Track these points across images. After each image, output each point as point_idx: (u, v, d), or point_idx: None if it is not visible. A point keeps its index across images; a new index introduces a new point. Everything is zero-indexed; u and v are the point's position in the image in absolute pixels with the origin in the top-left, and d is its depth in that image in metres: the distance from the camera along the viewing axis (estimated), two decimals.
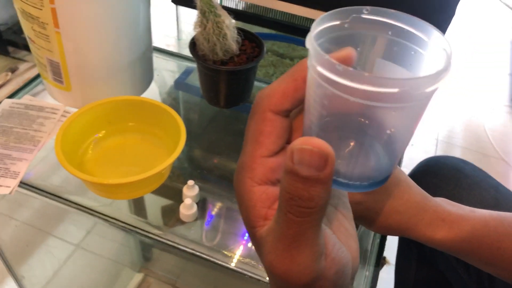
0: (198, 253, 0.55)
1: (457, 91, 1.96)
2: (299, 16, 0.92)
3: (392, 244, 0.94)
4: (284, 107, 0.26)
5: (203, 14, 0.62)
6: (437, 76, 0.21)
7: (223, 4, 0.96)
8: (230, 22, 0.65)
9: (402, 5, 0.63)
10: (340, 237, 0.27)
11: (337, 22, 0.24)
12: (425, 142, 1.68)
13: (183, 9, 1.22)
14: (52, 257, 1.19)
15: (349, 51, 0.23)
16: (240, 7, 1.02)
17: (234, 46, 0.65)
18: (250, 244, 0.57)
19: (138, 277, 1.21)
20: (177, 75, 0.87)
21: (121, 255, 1.25)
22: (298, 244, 0.23)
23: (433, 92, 0.22)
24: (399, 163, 0.75)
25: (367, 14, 0.25)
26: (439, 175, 0.77)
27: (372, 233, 0.63)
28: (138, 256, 1.25)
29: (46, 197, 0.58)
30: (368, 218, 0.48)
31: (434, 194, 0.74)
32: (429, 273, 0.84)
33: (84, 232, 1.25)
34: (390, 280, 0.98)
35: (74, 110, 0.61)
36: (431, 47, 0.24)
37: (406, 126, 0.24)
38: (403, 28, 0.24)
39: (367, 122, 0.24)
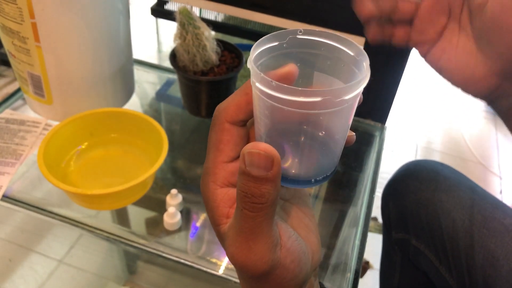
0: (183, 261, 0.55)
1: (435, 98, 2.01)
2: (276, 27, 0.94)
3: (376, 249, 0.95)
4: (238, 118, 0.29)
5: (182, 26, 0.64)
6: (354, 86, 0.25)
7: (202, 16, 0.98)
8: (209, 34, 0.66)
9: None
10: (300, 233, 0.30)
11: (276, 43, 0.28)
12: (405, 148, 1.71)
13: (162, 21, 1.23)
14: (35, 273, 1.18)
15: (291, 67, 0.27)
16: (219, 19, 1.03)
17: (213, 57, 0.67)
18: None
19: None
20: (158, 87, 0.88)
21: (105, 269, 1.24)
22: (254, 236, 0.26)
23: (353, 98, 0.25)
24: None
25: (301, 34, 0.28)
26: (419, 178, 0.79)
27: (352, 237, 0.64)
28: (123, 270, 1.24)
29: (30, 210, 0.58)
30: None
31: (415, 196, 0.76)
32: (413, 275, 0.86)
33: (67, 248, 1.24)
34: (375, 285, 0.99)
35: (55, 123, 0.62)
36: (355, 59, 0.28)
37: (336, 128, 0.28)
38: (332, 45, 0.28)
39: (304, 127, 0.28)
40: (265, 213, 0.25)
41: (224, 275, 0.55)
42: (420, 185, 0.77)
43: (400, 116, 1.85)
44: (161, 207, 0.61)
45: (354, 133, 0.32)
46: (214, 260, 0.56)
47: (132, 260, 1.24)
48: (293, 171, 0.29)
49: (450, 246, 0.70)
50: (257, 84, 0.25)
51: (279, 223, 0.28)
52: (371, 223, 1.35)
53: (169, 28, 1.18)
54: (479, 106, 1.99)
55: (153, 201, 0.63)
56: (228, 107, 0.29)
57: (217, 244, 0.59)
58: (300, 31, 0.28)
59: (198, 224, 0.62)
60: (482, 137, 1.82)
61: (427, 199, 0.75)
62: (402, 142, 1.74)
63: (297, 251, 0.28)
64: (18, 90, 0.76)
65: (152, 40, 1.38)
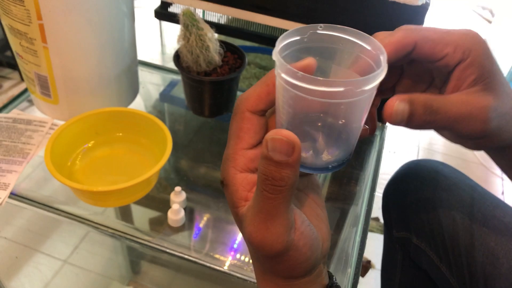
0: (187, 257, 0.57)
1: None
2: (278, 29, 0.95)
3: (378, 250, 0.96)
4: (259, 108, 0.31)
5: (186, 27, 0.65)
6: (373, 78, 0.27)
7: (205, 18, 0.99)
8: (212, 35, 0.67)
9: (374, 16, 0.66)
10: (312, 221, 0.32)
11: (298, 38, 0.30)
12: (407, 149, 1.72)
13: (166, 24, 1.25)
14: (39, 273, 1.19)
15: (310, 60, 0.29)
16: (222, 21, 1.04)
17: (216, 58, 0.68)
18: (236, 246, 0.59)
19: None
20: (162, 88, 0.90)
21: (109, 269, 1.25)
22: (271, 217, 0.28)
23: (372, 89, 0.27)
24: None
25: (322, 30, 0.30)
26: (419, 177, 0.80)
27: (353, 236, 0.65)
28: (127, 269, 1.25)
29: (37, 207, 0.59)
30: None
31: (416, 195, 0.77)
32: (414, 273, 0.86)
33: (72, 248, 1.25)
34: (377, 286, 1.00)
35: (62, 123, 0.63)
36: (372, 53, 0.30)
37: (354, 117, 0.30)
38: (350, 40, 0.30)
39: (324, 116, 0.30)
40: (284, 195, 0.27)
41: (228, 271, 0.56)
42: (420, 185, 0.78)
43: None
44: (165, 206, 0.62)
45: (368, 127, 0.33)
46: (218, 256, 0.58)
47: (136, 260, 1.25)
48: (312, 158, 0.31)
49: (451, 244, 0.71)
50: (283, 75, 0.27)
51: (294, 209, 0.30)
52: (373, 223, 1.36)
53: (173, 31, 1.19)
54: None
55: (157, 199, 0.65)
56: (249, 97, 0.31)
57: (221, 241, 0.60)
58: (321, 27, 0.30)
59: (201, 222, 0.63)
60: None
61: (427, 198, 0.76)
62: (403, 144, 1.74)
63: (309, 235, 0.30)
64: (25, 91, 0.77)
65: (156, 42, 1.40)
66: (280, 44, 0.29)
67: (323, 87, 0.26)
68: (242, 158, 0.31)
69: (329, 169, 0.31)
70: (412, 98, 0.32)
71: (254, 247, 0.29)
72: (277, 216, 0.28)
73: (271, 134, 0.26)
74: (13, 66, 1.68)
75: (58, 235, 1.24)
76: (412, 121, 0.33)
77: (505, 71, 1.86)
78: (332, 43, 0.31)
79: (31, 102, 0.76)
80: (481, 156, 1.73)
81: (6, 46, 1.66)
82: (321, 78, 0.25)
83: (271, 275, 0.32)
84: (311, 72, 0.28)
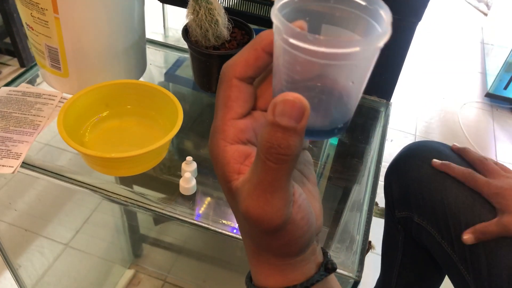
0: (198, 223, 0.57)
1: (433, 88, 2.04)
2: None
3: (377, 234, 0.97)
4: (247, 74, 0.29)
5: (195, 1, 0.66)
6: (383, 34, 0.25)
7: None
8: (221, 10, 0.68)
9: None
10: (306, 196, 0.30)
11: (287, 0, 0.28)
12: (404, 138, 1.74)
13: (169, 7, 1.25)
14: (41, 257, 1.19)
15: (299, 23, 0.27)
16: (227, 4, 1.05)
17: (225, 32, 0.69)
18: None
19: (128, 273, 1.22)
20: (166, 69, 0.90)
21: (111, 253, 1.26)
22: (273, 189, 0.26)
23: (379, 48, 0.25)
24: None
25: None
26: (421, 156, 0.81)
27: (357, 218, 0.66)
28: (128, 253, 1.26)
29: (50, 176, 0.60)
30: None
31: (417, 173, 0.78)
32: (415, 253, 0.88)
33: (73, 232, 1.26)
34: (375, 268, 1.01)
35: (71, 96, 0.63)
36: (368, 8, 0.28)
37: (360, 77, 0.28)
38: None
39: (330, 78, 0.28)
40: (288, 166, 0.25)
41: (238, 236, 0.57)
42: (422, 163, 0.80)
43: (399, 107, 1.87)
44: (174, 185, 0.62)
45: None
46: (228, 222, 0.58)
47: (138, 243, 1.25)
48: (317, 122, 0.29)
49: (452, 221, 0.72)
50: (292, 40, 0.24)
51: (292, 181, 0.28)
52: None
53: (176, 14, 1.20)
54: (477, 97, 2.02)
55: (168, 170, 0.65)
56: (236, 63, 0.29)
57: (228, 208, 0.61)
58: None
59: (210, 194, 0.64)
60: (480, 128, 1.85)
61: (429, 176, 0.77)
62: (400, 132, 1.77)
63: (306, 208, 0.29)
64: (31, 68, 0.78)
65: (159, 25, 1.41)
66: (277, 3, 0.27)
67: (338, 49, 0.23)
68: (232, 128, 0.28)
69: (334, 133, 0.30)
70: None
71: (252, 222, 0.27)
72: (278, 189, 0.26)
73: (281, 96, 0.24)
74: (12, 53, 1.68)
75: (59, 219, 1.25)
76: None
77: (500, 63, 1.88)
78: (322, 1, 0.29)
79: (35, 80, 0.76)
80: (477, 145, 1.75)
81: (5, 33, 1.65)
82: (336, 39, 0.24)
83: (265, 255, 0.31)
84: None
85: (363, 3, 0.28)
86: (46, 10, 0.60)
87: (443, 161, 0.76)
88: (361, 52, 0.24)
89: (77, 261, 1.25)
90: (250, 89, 0.29)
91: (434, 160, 0.77)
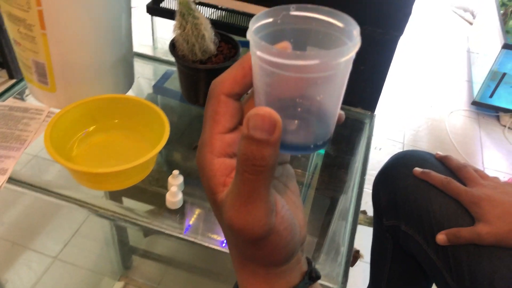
0: (185, 237, 0.58)
1: (421, 97, 2.06)
2: None
3: (366, 242, 0.98)
4: (235, 91, 0.30)
5: (182, 16, 0.66)
6: (349, 49, 0.26)
7: None
8: (208, 24, 0.69)
9: (364, 5, 0.69)
10: (289, 207, 0.31)
11: (270, 20, 0.29)
12: (392, 146, 1.75)
13: (158, 19, 1.26)
14: (29, 270, 1.18)
15: (284, 44, 0.28)
16: (214, 16, 1.06)
17: (212, 47, 0.70)
18: None
19: (118, 285, 1.21)
20: (154, 81, 0.91)
21: (100, 265, 1.25)
22: (253, 199, 0.27)
23: (348, 61, 0.27)
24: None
25: (294, 10, 0.30)
26: (408, 165, 0.82)
27: (343, 227, 0.66)
28: (118, 265, 1.25)
29: (36, 191, 0.60)
30: None
31: (405, 182, 0.79)
32: (403, 261, 0.88)
33: (62, 245, 1.25)
34: (364, 276, 1.02)
35: (58, 111, 0.64)
36: (347, 31, 0.29)
37: (332, 92, 0.29)
38: (323, 19, 0.30)
39: (302, 93, 0.29)
40: (264, 177, 0.26)
41: (225, 250, 0.57)
42: (409, 172, 0.81)
43: (386, 116, 1.89)
44: (162, 197, 0.62)
45: (343, 112, 0.33)
46: (215, 236, 0.59)
47: (127, 255, 1.25)
48: (293, 138, 0.30)
49: (437, 229, 0.73)
50: (258, 53, 0.26)
51: (274, 193, 0.29)
52: (360, 216, 1.38)
53: (164, 26, 1.21)
54: (463, 105, 2.04)
55: (155, 184, 0.65)
56: (224, 80, 0.30)
57: (215, 222, 0.61)
58: (293, 7, 0.30)
59: (198, 207, 0.65)
60: (466, 136, 1.87)
61: (416, 185, 0.78)
62: (388, 141, 1.78)
63: (289, 219, 0.29)
64: (20, 80, 0.78)
65: (148, 37, 1.42)
66: (253, 25, 0.28)
67: (298, 61, 0.25)
68: (219, 142, 0.30)
69: (311, 148, 0.30)
70: None
71: (235, 232, 0.28)
72: (258, 199, 0.27)
73: (253, 111, 0.25)
74: (1, 64, 1.67)
75: (47, 232, 1.24)
76: None
77: (485, 71, 1.92)
78: (305, 24, 0.30)
79: (22, 95, 0.76)
80: (464, 152, 1.77)
81: None
82: (297, 52, 0.25)
83: (250, 264, 0.32)
84: None
85: (341, 25, 0.29)
86: (33, 26, 0.61)
87: (424, 170, 0.78)
88: (322, 66, 0.26)
89: (66, 274, 1.24)
90: (237, 105, 0.30)
91: (416, 168, 0.79)
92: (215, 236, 0.59)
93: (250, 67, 0.30)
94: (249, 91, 0.31)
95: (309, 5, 0.30)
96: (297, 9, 0.30)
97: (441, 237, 0.71)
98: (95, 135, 0.66)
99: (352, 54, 0.27)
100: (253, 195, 0.27)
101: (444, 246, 0.71)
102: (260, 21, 0.29)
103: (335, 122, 0.31)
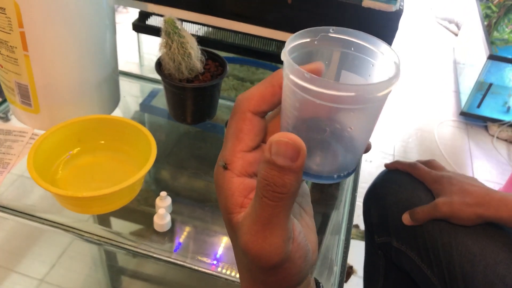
0: (174, 261, 0.56)
1: (408, 109, 2.08)
2: (256, 39, 0.97)
3: (358, 257, 0.97)
4: (261, 109, 0.29)
5: (168, 35, 0.66)
6: (386, 83, 0.25)
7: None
8: (194, 43, 0.69)
9: (351, 22, 0.69)
10: (303, 229, 0.30)
11: (308, 40, 0.29)
12: (383, 158, 1.76)
13: (144, 37, 1.25)
14: None
15: (317, 64, 0.28)
16: (201, 33, 1.06)
17: (198, 65, 0.69)
18: (222, 249, 0.59)
19: None
20: (141, 99, 0.90)
21: (88, 287, 1.22)
22: (271, 226, 0.26)
23: (384, 96, 0.26)
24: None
25: (333, 33, 0.29)
26: (397, 181, 0.82)
27: (336, 242, 0.66)
28: (107, 286, 1.22)
29: (19, 216, 0.58)
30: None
31: (395, 198, 0.79)
32: (397, 277, 0.88)
33: (48, 267, 1.22)
34: None
35: (42, 132, 0.62)
36: (385, 60, 0.29)
37: (364, 125, 0.28)
38: (362, 45, 0.29)
39: (332, 122, 0.28)
40: (284, 203, 0.25)
41: (216, 273, 0.56)
42: (398, 187, 0.80)
43: (376, 128, 1.90)
44: (150, 216, 0.61)
45: (371, 142, 0.33)
46: (205, 259, 0.58)
47: (116, 275, 1.22)
48: (317, 165, 0.29)
49: (430, 244, 0.73)
50: (291, 76, 0.25)
51: (292, 218, 0.28)
52: (353, 230, 1.38)
53: (150, 43, 1.20)
54: (452, 116, 2.06)
55: (142, 206, 0.64)
56: (252, 96, 0.29)
57: (207, 243, 0.60)
58: (333, 29, 0.29)
59: (187, 228, 0.63)
60: (456, 146, 1.88)
61: (406, 200, 0.78)
62: (379, 153, 1.78)
63: (304, 247, 0.29)
64: (3, 101, 0.76)
65: (134, 54, 1.41)
66: (289, 44, 0.28)
67: (332, 91, 0.24)
68: (241, 160, 0.29)
69: (334, 178, 0.30)
70: None
71: (250, 258, 0.27)
72: (276, 226, 0.26)
73: (276, 136, 0.24)
74: None
75: (34, 253, 1.21)
76: None
77: (472, 82, 1.93)
78: (343, 47, 0.29)
79: (3, 118, 0.75)
80: (454, 162, 1.78)
81: None
82: (331, 81, 0.24)
83: (260, 287, 0.31)
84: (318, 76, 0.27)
85: (381, 52, 0.29)
86: (16, 48, 0.60)
87: (393, 161, 0.82)
88: (357, 98, 0.25)
89: None
90: (262, 123, 0.30)
91: (386, 163, 0.84)
92: (205, 259, 0.58)
93: (279, 85, 0.29)
94: (275, 109, 0.30)
95: (350, 29, 0.29)
96: (337, 32, 0.29)
97: (405, 217, 0.75)
98: (80, 157, 0.65)
99: (390, 89, 0.26)
100: (272, 222, 0.26)
101: (438, 260, 0.71)
102: (297, 40, 0.28)
103: (362, 153, 0.30)
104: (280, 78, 0.29)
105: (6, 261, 1.20)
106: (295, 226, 0.28)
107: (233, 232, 0.29)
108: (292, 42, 0.28)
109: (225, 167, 0.29)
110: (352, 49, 0.29)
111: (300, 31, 0.28)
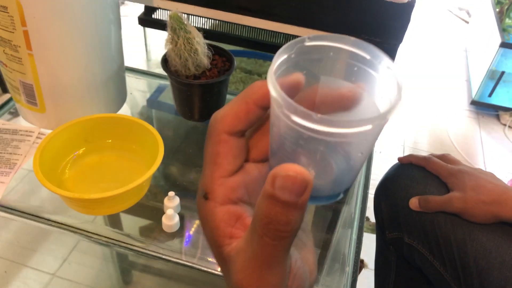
0: (183, 262, 0.56)
1: (419, 99, 2.05)
2: (263, 32, 0.95)
3: (369, 249, 0.96)
4: (237, 129, 0.27)
5: (173, 31, 0.64)
6: (394, 106, 0.24)
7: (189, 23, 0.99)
8: (200, 38, 0.67)
9: (362, 15, 0.67)
10: (299, 252, 0.29)
11: (285, 56, 0.27)
12: (393, 150, 1.74)
13: (150, 30, 1.24)
14: None
15: (296, 76, 0.26)
16: (207, 26, 1.04)
17: (205, 61, 0.68)
18: None
19: None
20: (148, 94, 0.89)
21: (99, 281, 1.23)
22: (269, 265, 0.24)
23: (381, 125, 0.24)
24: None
25: (309, 41, 0.27)
26: (409, 176, 0.80)
27: (349, 237, 0.65)
28: (118, 280, 1.23)
29: (26, 217, 0.58)
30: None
31: (406, 193, 0.78)
32: (408, 273, 0.87)
33: (60, 261, 1.23)
34: (370, 285, 1.00)
35: (49, 132, 0.62)
36: (372, 63, 0.27)
37: (359, 151, 0.27)
38: (342, 48, 0.27)
39: (327, 149, 0.26)
40: (286, 242, 0.23)
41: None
42: (410, 182, 0.79)
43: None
44: (159, 212, 0.61)
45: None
46: (213, 260, 0.57)
47: (127, 270, 1.23)
48: (317, 189, 0.27)
49: (443, 240, 0.71)
50: (295, 118, 0.23)
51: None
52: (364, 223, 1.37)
53: (157, 37, 1.18)
54: (463, 105, 2.03)
55: (150, 206, 0.64)
56: (225, 116, 0.27)
57: None
58: (309, 38, 0.27)
59: (196, 227, 0.63)
60: (467, 136, 1.85)
61: (418, 195, 0.76)
62: (389, 144, 1.76)
63: (302, 277, 0.27)
64: (8, 101, 0.76)
65: (141, 50, 1.40)
66: (273, 67, 0.26)
67: (324, 127, 0.22)
68: (222, 188, 0.26)
69: (324, 199, 0.28)
70: None
71: None
72: (275, 265, 0.24)
73: (282, 170, 0.22)
74: None
75: (46, 248, 1.22)
76: None
77: (483, 70, 1.90)
78: (320, 53, 0.27)
79: (14, 113, 0.74)
80: (465, 153, 1.75)
81: None
82: (324, 117, 0.22)
83: None
84: (300, 88, 0.26)
85: (367, 56, 0.26)
86: (19, 47, 0.59)
87: (407, 155, 0.81)
88: (373, 128, 0.23)
89: None
90: (241, 143, 0.27)
91: (399, 156, 0.82)
92: (213, 260, 0.57)
93: (254, 102, 0.27)
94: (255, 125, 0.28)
95: (325, 34, 0.27)
96: (313, 39, 0.27)
97: (413, 201, 0.74)
98: (87, 157, 0.64)
99: (387, 119, 0.23)
100: (270, 261, 0.24)
101: (452, 256, 0.69)
102: (278, 60, 0.26)
103: (356, 175, 0.29)
104: (254, 95, 0.27)
105: (19, 256, 1.21)
106: (293, 258, 0.26)
107: (224, 266, 0.27)
108: (274, 63, 0.26)
109: (206, 197, 0.27)
110: (331, 53, 0.27)
111: (277, 52, 0.26)
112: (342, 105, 0.28)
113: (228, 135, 0.27)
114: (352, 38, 0.27)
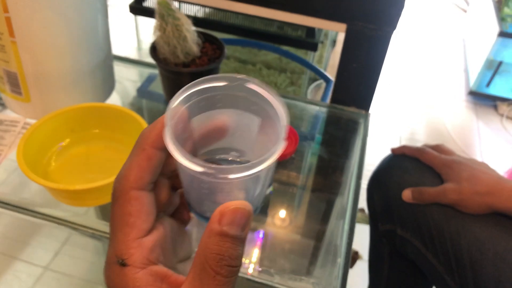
0: None
1: (416, 89, 2.03)
2: (257, 20, 0.94)
3: (364, 240, 0.95)
4: (145, 180, 0.26)
5: (162, 17, 0.63)
6: (276, 152, 0.25)
7: (182, 11, 0.97)
8: (189, 25, 0.65)
9: (355, 1, 0.65)
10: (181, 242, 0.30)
11: (177, 102, 0.28)
12: (389, 141, 1.72)
13: (142, 20, 1.22)
14: (19, 281, 1.15)
15: (218, 122, 0.27)
16: (200, 14, 1.03)
17: (194, 48, 0.66)
18: None
19: None
20: (139, 84, 0.87)
21: (92, 273, 1.22)
22: None
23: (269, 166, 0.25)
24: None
25: (194, 87, 0.28)
26: (402, 167, 0.79)
27: (341, 228, 0.64)
28: None
29: (14, 211, 0.56)
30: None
31: (399, 185, 0.76)
32: (401, 265, 0.86)
33: (52, 254, 1.22)
34: (365, 276, 0.99)
35: (34, 121, 0.60)
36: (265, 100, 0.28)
37: (257, 184, 0.28)
38: (225, 86, 0.28)
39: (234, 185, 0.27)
40: (236, 277, 0.23)
41: None
42: (403, 174, 0.78)
43: (383, 108, 1.86)
44: None
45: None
46: None
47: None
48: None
49: (436, 232, 0.71)
50: (202, 177, 0.24)
51: None
52: (358, 214, 1.36)
53: (148, 26, 1.16)
54: (460, 95, 2.01)
55: None
56: (128, 172, 0.26)
57: None
58: (193, 84, 0.28)
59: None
60: (464, 126, 1.84)
61: (411, 187, 0.75)
62: (385, 134, 1.75)
63: None
64: None
65: (132, 38, 1.37)
66: (167, 120, 0.26)
67: (243, 173, 0.23)
68: (139, 250, 0.24)
69: None
70: None
71: None
72: None
73: (227, 206, 0.22)
74: None
75: (38, 241, 1.21)
76: None
77: (481, 60, 1.88)
78: (206, 93, 0.28)
79: (3, 104, 0.73)
80: (462, 143, 1.75)
81: None
82: (233, 167, 0.23)
83: None
84: (226, 129, 0.28)
85: (222, 84, 0.28)
86: (2, 34, 0.57)
87: (400, 146, 0.79)
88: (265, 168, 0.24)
89: (57, 284, 1.21)
90: (151, 198, 0.26)
91: (392, 147, 0.80)
92: None
93: (151, 146, 0.26)
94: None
95: (207, 77, 0.28)
96: (196, 85, 0.28)
97: (406, 193, 0.72)
98: (73, 147, 0.63)
99: (272, 160, 0.24)
100: None
101: (445, 248, 0.69)
102: (169, 120, 0.26)
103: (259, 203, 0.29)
104: (148, 139, 0.26)
105: (10, 248, 1.20)
106: None
107: None
108: (167, 118, 0.26)
109: (123, 264, 0.24)
110: (219, 92, 0.28)
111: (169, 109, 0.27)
112: (215, 135, 0.29)
113: (137, 190, 0.25)
114: (230, 76, 0.28)
